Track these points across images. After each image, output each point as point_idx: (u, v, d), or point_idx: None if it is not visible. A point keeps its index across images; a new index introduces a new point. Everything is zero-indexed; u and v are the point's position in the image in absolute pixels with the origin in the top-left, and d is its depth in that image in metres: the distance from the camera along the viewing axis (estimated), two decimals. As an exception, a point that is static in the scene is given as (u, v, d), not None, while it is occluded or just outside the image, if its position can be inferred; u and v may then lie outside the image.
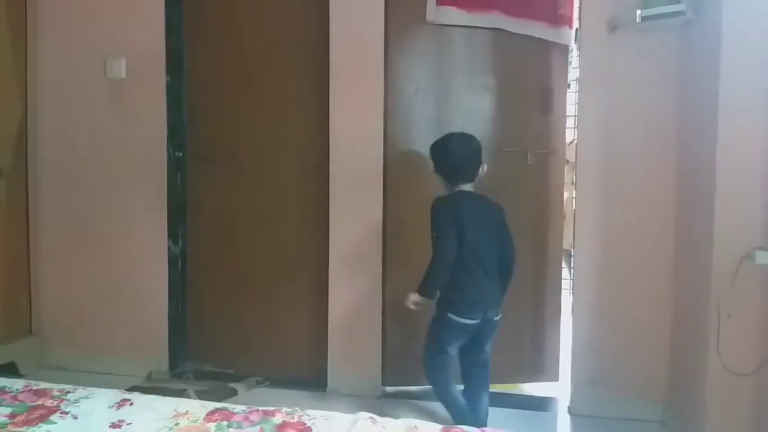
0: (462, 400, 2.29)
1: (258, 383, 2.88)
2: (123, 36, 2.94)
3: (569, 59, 2.97)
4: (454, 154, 2.24)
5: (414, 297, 2.23)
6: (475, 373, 2.33)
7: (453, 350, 2.26)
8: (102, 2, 2.97)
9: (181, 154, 3.02)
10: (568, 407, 2.62)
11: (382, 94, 2.70)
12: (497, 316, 2.23)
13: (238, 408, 1.53)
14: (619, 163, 2.51)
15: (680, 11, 2.29)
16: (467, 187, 2.26)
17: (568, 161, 3.09)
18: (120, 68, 2.94)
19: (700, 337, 2.15)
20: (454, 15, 2.68)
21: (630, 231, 2.52)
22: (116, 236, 3.00)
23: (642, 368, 2.53)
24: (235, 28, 2.96)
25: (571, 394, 2.62)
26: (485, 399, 2.33)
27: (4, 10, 2.88)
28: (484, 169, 2.28)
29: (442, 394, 2.29)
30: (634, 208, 2.51)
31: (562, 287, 2.97)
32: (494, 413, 2.60)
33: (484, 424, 2.19)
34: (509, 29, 2.70)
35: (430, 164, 2.30)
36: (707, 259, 2.11)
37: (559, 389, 2.81)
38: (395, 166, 2.76)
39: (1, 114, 2.89)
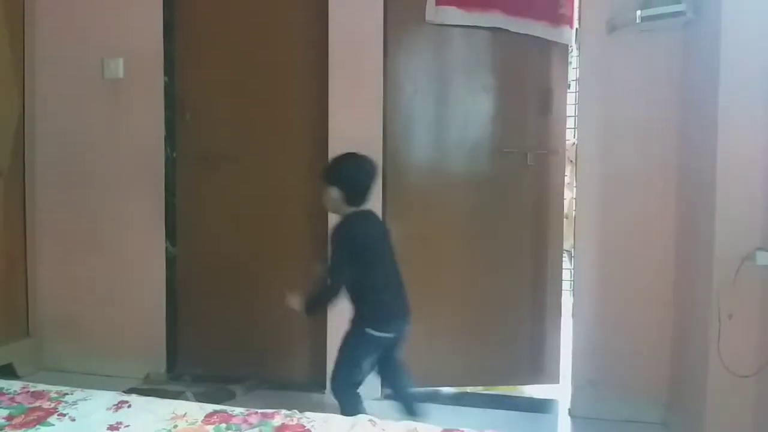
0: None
1: (256, 385, 2.87)
2: (121, 36, 2.94)
3: (569, 59, 2.97)
4: (366, 175, 2.20)
5: (295, 305, 2.23)
6: (397, 376, 2.36)
7: (368, 365, 2.24)
8: (100, 2, 2.97)
9: (177, 155, 3.01)
10: (569, 409, 2.61)
11: (382, 94, 2.70)
12: (408, 326, 2.26)
13: (237, 410, 1.51)
14: (619, 164, 2.51)
15: (680, 11, 2.28)
16: (366, 206, 2.24)
17: (570, 161, 3.08)
18: (117, 68, 2.93)
19: (701, 339, 2.14)
20: (453, 14, 2.67)
21: (630, 232, 2.51)
22: (114, 237, 2.99)
23: (643, 370, 2.52)
24: (232, 27, 2.95)
25: (572, 396, 2.61)
26: (415, 393, 2.38)
27: (2, 11, 2.87)
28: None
29: (348, 410, 2.12)
30: (634, 209, 2.51)
31: (563, 288, 2.96)
32: (495, 415, 2.61)
33: (419, 418, 2.23)
34: (509, 28, 2.69)
35: (328, 185, 2.19)
36: (708, 260, 2.10)
37: (559, 391, 2.80)
38: (395, 167, 2.75)
39: (-2, 114, 2.89)
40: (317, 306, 2.28)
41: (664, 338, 2.48)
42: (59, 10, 3.00)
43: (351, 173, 2.20)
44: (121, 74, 2.93)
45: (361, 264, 2.15)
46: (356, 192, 2.19)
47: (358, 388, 2.26)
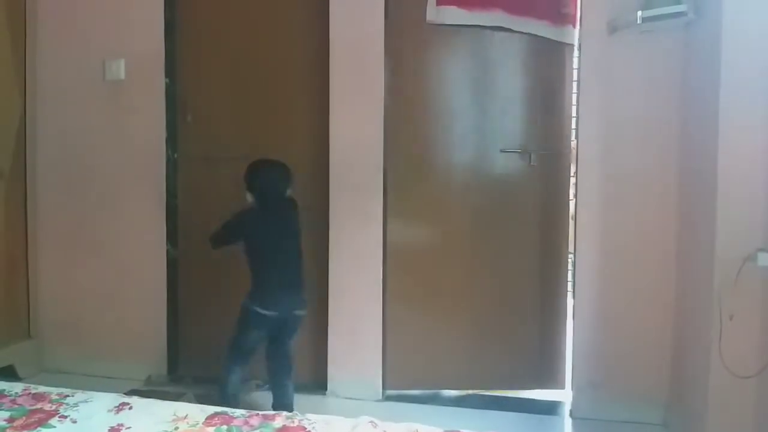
0: (235, 388, 2.48)
1: (257, 387, 2.86)
2: (122, 37, 2.94)
3: (573, 58, 2.96)
4: (267, 184, 2.49)
5: None
6: (278, 365, 2.52)
7: (250, 342, 2.47)
8: (101, 4, 2.97)
9: (178, 156, 3.02)
10: (570, 410, 2.61)
11: (382, 95, 2.70)
12: (299, 311, 2.48)
13: (238, 412, 1.52)
14: (620, 164, 2.51)
15: (681, 12, 2.28)
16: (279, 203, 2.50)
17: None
18: (119, 70, 2.94)
19: (702, 340, 2.14)
20: (455, 14, 2.67)
21: (631, 232, 2.51)
22: (115, 239, 2.99)
23: (643, 371, 2.52)
24: (233, 28, 2.95)
25: (573, 398, 2.61)
26: (289, 389, 2.52)
27: (4, 13, 2.88)
28: (291, 192, 2.53)
29: (221, 382, 2.47)
30: (634, 210, 2.50)
31: (567, 289, 2.95)
32: (497, 417, 2.61)
33: (290, 409, 2.40)
34: (511, 27, 2.69)
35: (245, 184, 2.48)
36: (709, 260, 2.10)
37: (560, 393, 2.80)
38: (396, 169, 2.75)
39: (0, 116, 2.88)
40: (215, 239, 2.55)
41: (664, 339, 2.48)
42: (61, 11, 3.01)
43: (252, 180, 2.49)
44: (122, 75, 2.93)
45: (248, 250, 2.46)
46: (263, 198, 2.47)
47: (239, 365, 2.47)
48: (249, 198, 2.49)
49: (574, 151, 2.97)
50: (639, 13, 2.33)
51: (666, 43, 2.44)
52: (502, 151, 2.76)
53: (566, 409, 2.65)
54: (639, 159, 2.49)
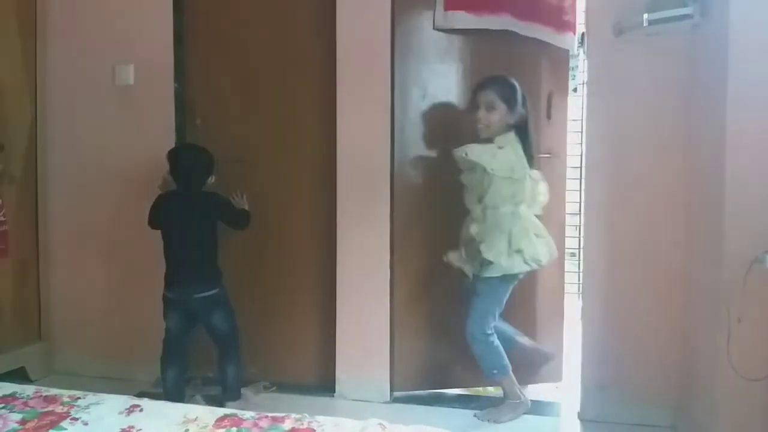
0: (171, 382, 2.61)
1: (265, 388, 2.88)
2: (131, 42, 2.97)
3: (570, 64, 2.98)
4: (178, 168, 2.61)
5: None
6: (218, 347, 2.65)
7: (176, 330, 2.63)
8: (110, 9, 3.00)
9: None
10: (578, 412, 2.61)
11: (389, 100, 2.71)
12: (202, 293, 2.57)
13: (248, 414, 1.53)
14: (627, 167, 2.51)
15: (688, 15, 2.27)
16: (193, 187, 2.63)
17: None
18: (128, 75, 2.96)
19: (711, 342, 2.13)
20: (463, 19, 2.67)
21: (639, 235, 2.51)
22: (125, 241, 3.01)
23: (652, 373, 2.51)
24: (242, 33, 2.97)
25: (581, 400, 2.61)
26: (230, 371, 2.63)
27: (14, 18, 2.91)
28: (212, 179, 2.66)
29: (162, 382, 2.63)
30: (642, 212, 2.50)
31: (566, 291, 2.98)
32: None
33: (233, 396, 2.62)
34: (519, 32, 2.70)
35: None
36: (717, 263, 2.10)
37: (568, 394, 2.80)
38: (403, 172, 2.76)
39: (11, 120, 2.92)
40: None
41: (673, 341, 2.48)
42: (70, 17, 3.04)
43: (169, 160, 2.62)
44: (131, 81, 2.96)
45: (162, 234, 2.64)
46: (176, 181, 2.63)
47: (171, 357, 2.62)
48: (166, 180, 2.67)
49: (579, 155, 2.99)
50: (645, 15, 2.32)
51: (672, 45, 2.43)
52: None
53: (572, 410, 2.65)
54: (646, 161, 2.49)
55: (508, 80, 2.50)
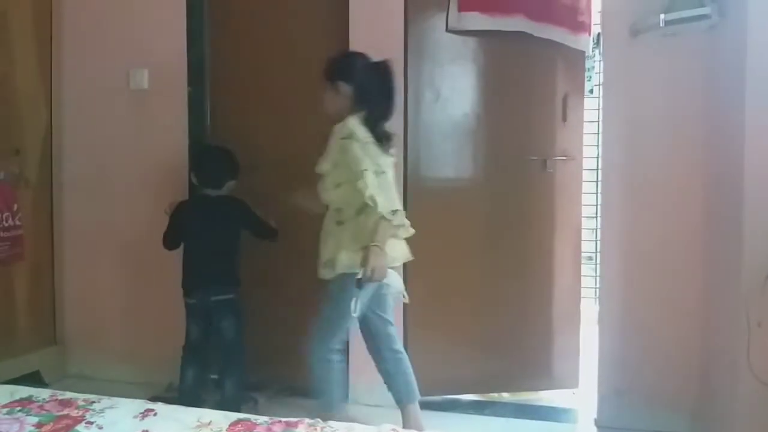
0: (188, 383, 2.60)
1: (277, 393, 2.87)
2: (146, 47, 2.99)
3: (586, 66, 2.96)
4: (206, 164, 2.66)
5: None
6: (221, 356, 2.62)
7: (194, 334, 2.63)
8: (125, 14, 3.02)
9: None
10: (595, 419, 2.58)
11: (402, 102, 2.69)
12: (220, 296, 2.56)
13: (261, 419, 1.52)
14: (645, 170, 2.48)
15: (705, 15, 2.25)
16: (209, 191, 2.65)
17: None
18: (143, 79, 2.98)
19: (730, 347, 2.10)
20: (477, 20, 2.66)
21: (657, 238, 2.47)
22: (139, 245, 3.03)
23: (670, 379, 2.47)
24: (256, 38, 2.98)
25: (598, 405, 2.57)
26: (228, 385, 2.57)
27: (30, 24, 2.94)
28: (235, 184, 2.67)
29: (179, 384, 2.63)
30: (660, 216, 2.47)
31: (582, 295, 2.95)
32: (517, 425, 2.58)
33: (231, 407, 2.33)
34: (533, 33, 2.68)
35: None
36: (736, 266, 2.07)
37: (585, 400, 2.76)
38: (415, 174, 2.74)
39: (27, 124, 2.95)
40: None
41: (691, 347, 2.44)
42: (85, 23, 3.06)
43: (196, 163, 2.71)
44: (146, 85, 2.98)
45: (183, 239, 2.65)
46: (198, 183, 2.67)
47: (189, 360, 2.61)
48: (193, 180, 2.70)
49: (595, 157, 2.96)
50: (662, 16, 2.30)
51: (689, 46, 2.40)
52: (520, 157, 2.75)
53: (590, 416, 2.61)
54: (664, 164, 2.46)
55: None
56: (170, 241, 2.66)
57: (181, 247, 2.68)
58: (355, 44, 2.72)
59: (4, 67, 2.82)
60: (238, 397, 2.59)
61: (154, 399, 1.73)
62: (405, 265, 2.70)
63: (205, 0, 3.01)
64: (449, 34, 2.70)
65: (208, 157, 2.69)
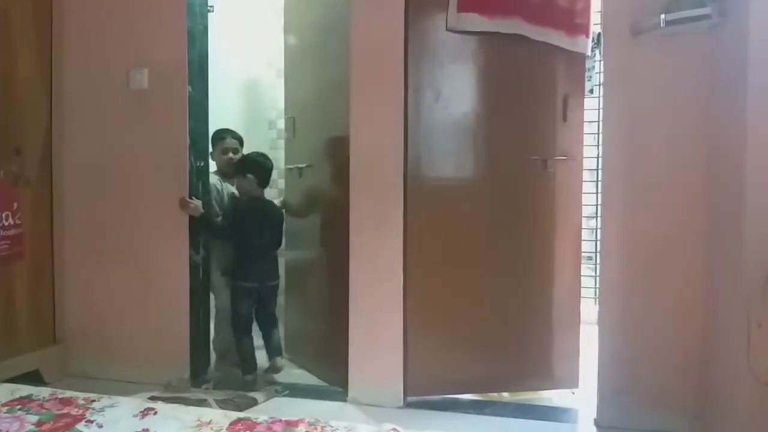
0: (249, 351, 3.06)
1: (277, 392, 2.87)
2: (146, 47, 2.98)
3: (586, 66, 2.95)
4: (265, 172, 3.09)
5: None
6: (265, 322, 3.13)
7: (247, 309, 3.08)
8: (125, 14, 3.02)
9: (202, 164, 3.05)
10: (595, 419, 2.57)
11: (403, 102, 2.70)
12: (273, 282, 3.12)
13: (261, 418, 1.52)
14: (645, 170, 2.47)
15: (706, 15, 2.24)
16: (260, 193, 3.10)
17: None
18: (142, 79, 2.98)
19: (730, 347, 2.10)
20: (475, 21, 2.67)
21: (657, 238, 2.47)
22: (138, 245, 3.03)
23: (670, 379, 2.47)
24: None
25: (598, 405, 2.57)
26: (276, 336, 3.14)
27: (31, 23, 2.94)
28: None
29: (240, 353, 3.06)
30: (661, 216, 2.47)
31: (582, 294, 2.95)
32: (517, 425, 2.58)
33: (278, 352, 3.11)
34: (530, 36, 2.68)
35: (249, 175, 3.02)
36: (736, 267, 2.06)
37: (584, 400, 2.76)
38: (416, 174, 2.74)
39: (27, 124, 2.94)
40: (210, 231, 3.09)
41: (692, 347, 2.44)
42: (86, 22, 3.06)
43: (253, 170, 3.06)
44: (146, 84, 2.97)
45: (237, 233, 3.06)
46: (260, 183, 3.09)
47: (246, 332, 3.06)
48: (244, 183, 3.03)
49: (596, 157, 2.96)
50: (662, 16, 2.29)
51: (690, 46, 2.40)
52: (521, 157, 2.75)
53: (588, 416, 2.62)
54: (664, 164, 2.46)
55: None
56: (228, 233, 3.03)
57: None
58: (356, 44, 2.73)
59: (5, 66, 2.81)
60: (280, 347, 3.16)
61: (155, 398, 1.73)
62: (404, 266, 2.72)
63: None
64: (450, 34, 2.71)
65: (263, 161, 3.09)
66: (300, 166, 3.20)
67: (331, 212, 2.99)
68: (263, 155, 3.18)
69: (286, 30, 3.39)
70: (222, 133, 3.25)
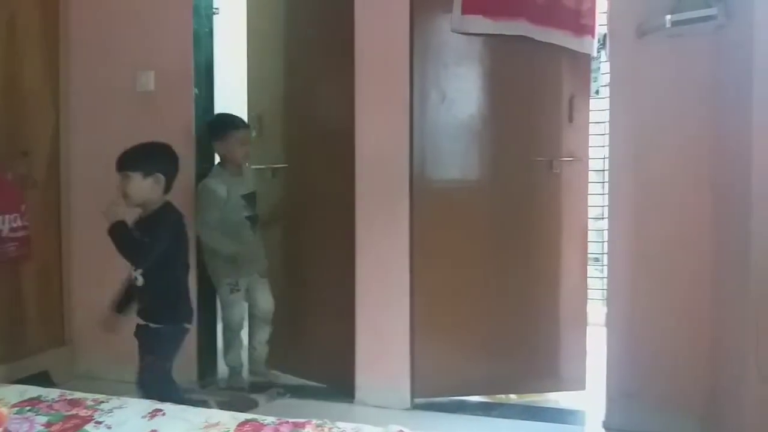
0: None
1: (279, 394, 2.87)
2: (152, 49, 3.00)
3: (592, 66, 2.95)
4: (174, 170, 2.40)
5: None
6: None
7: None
8: (132, 16, 3.03)
9: (208, 166, 3.06)
10: (603, 421, 2.56)
11: (408, 104, 2.70)
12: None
13: (269, 419, 1.52)
14: (652, 171, 2.46)
15: (712, 15, 2.24)
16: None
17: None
18: (149, 81, 2.99)
19: (739, 349, 2.09)
20: (479, 23, 2.66)
21: (664, 239, 2.46)
22: (146, 246, 3.03)
23: (679, 381, 2.46)
24: (273, 41, 3.01)
25: (606, 408, 2.56)
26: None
27: (38, 26, 2.96)
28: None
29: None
30: (668, 217, 2.46)
31: (588, 295, 2.94)
32: (524, 427, 2.57)
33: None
34: (535, 37, 2.68)
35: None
36: (745, 269, 2.05)
37: (593, 402, 2.75)
38: (421, 175, 2.74)
39: (35, 126, 2.96)
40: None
41: (700, 349, 2.42)
42: (93, 24, 3.08)
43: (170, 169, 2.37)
44: (152, 87, 2.99)
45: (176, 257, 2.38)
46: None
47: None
48: (155, 187, 2.28)
49: (602, 158, 2.95)
50: (668, 17, 2.28)
51: (696, 46, 2.39)
52: (526, 158, 2.75)
53: (598, 419, 2.61)
54: (671, 165, 2.45)
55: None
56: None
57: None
58: (361, 45, 2.73)
59: (13, 69, 2.83)
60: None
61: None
62: (411, 266, 2.72)
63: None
64: (455, 35, 2.70)
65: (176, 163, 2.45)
66: (273, 166, 3.12)
67: (324, 214, 2.97)
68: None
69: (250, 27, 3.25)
70: (236, 121, 2.94)
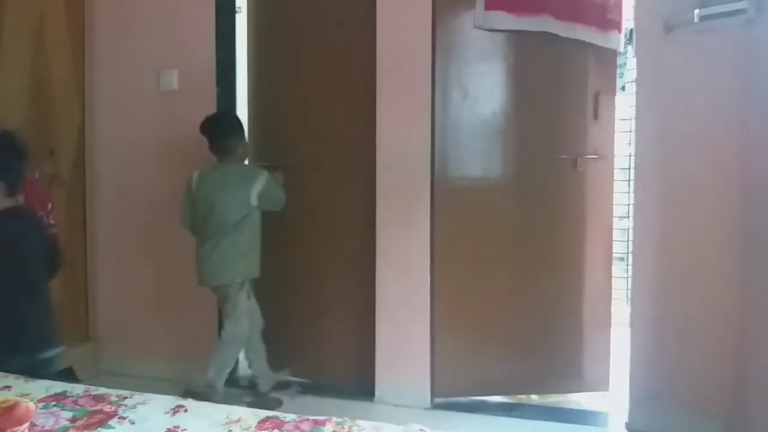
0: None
1: (298, 392, 2.88)
2: (176, 49, 3.04)
3: (618, 62, 2.90)
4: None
5: None
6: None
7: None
8: (155, 16, 3.07)
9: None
10: (626, 423, 2.53)
11: (430, 101, 2.69)
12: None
13: (289, 417, 1.52)
14: (678, 168, 2.42)
15: (741, 9, 2.19)
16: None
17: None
18: (172, 80, 3.03)
19: (765, 351, 2.04)
20: (503, 19, 2.64)
21: (690, 239, 2.42)
22: (170, 244, 3.07)
23: (704, 382, 2.41)
24: (291, 40, 3.01)
25: (630, 409, 2.52)
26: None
27: (64, 28, 3.01)
28: None
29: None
30: (694, 216, 2.41)
31: (613, 294, 2.90)
32: (546, 428, 2.54)
33: None
34: (559, 33, 2.65)
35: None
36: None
37: (616, 403, 2.72)
38: (443, 174, 2.73)
39: (61, 125, 3.01)
40: None
41: (726, 349, 2.37)
42: (118, 25, 3.13)
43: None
44: (175, 86, 3.02)
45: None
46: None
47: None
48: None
49: (627, 156, 2.91)
50: (696, 11, 2.24)
51: (725, 42, 2.34)
52: (550, 156, 2.72)
53: (621, 420, 2.57)
54: (698, 163, 2.40)
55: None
56: None
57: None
58: (383, 43, 2.72)
59: (40, 70, 2.89)
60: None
61: (186, 395, 1.75)
62: (431, 266, 2.70)
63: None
64: (477, 32, 2.69)
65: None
66: (291, 165, 2.99)
67: (345, 212, 2.96)
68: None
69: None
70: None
